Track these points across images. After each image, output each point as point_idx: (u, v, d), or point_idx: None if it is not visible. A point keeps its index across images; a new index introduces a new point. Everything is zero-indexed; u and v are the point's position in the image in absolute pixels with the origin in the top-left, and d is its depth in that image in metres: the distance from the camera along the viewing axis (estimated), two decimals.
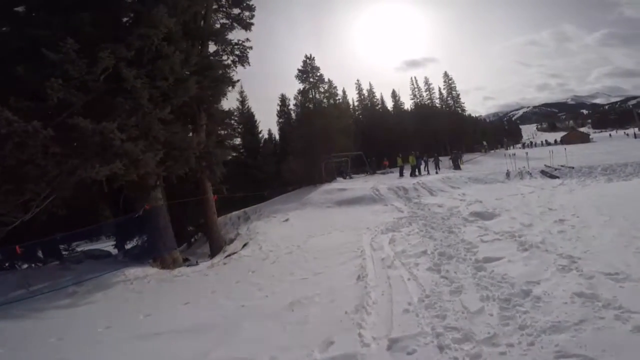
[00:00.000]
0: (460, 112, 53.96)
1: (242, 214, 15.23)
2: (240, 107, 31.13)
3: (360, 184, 17.45)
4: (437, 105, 51.50)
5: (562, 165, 19.04)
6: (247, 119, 30.85)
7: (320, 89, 28.16)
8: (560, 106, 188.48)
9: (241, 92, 31.45)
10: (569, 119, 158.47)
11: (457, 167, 27.26)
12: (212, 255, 11.30)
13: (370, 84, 49.90)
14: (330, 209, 13.60)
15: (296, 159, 24.00)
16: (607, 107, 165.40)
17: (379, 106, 47.54)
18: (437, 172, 22.63)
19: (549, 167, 19.30)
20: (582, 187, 13.55)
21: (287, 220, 12.60)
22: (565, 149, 23.10)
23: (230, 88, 14.88)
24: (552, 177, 17.05)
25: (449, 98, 53.19)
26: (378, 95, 47.92)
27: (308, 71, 28.14)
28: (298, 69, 28.23)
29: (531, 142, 63.68)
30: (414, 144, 34.84)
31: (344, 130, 28.00)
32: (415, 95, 50.89)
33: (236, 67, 15.55)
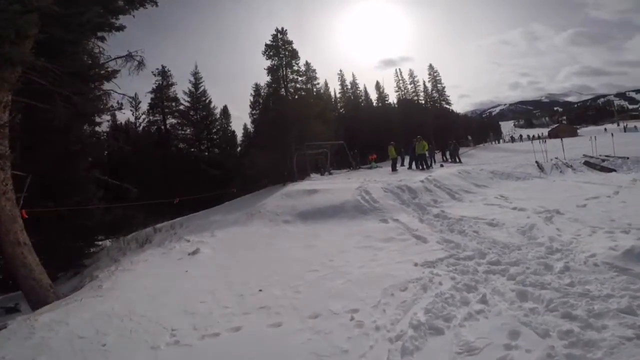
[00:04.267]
0: (445, 105, 49.06)
1: (147, 233, 8.79)
2: (194, 90, 24.26)
3: (340, 183, 11.15)
4: (422, 98, 46.33)
5: (607, 156, 13.80)
6: (203, 105, 24.04)
7: (293, 67, 21.63)
8: (535, 104, 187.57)
9: (195, 73, 24.61)
10: (545, 116, 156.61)
11: (456, 160, 21.59)
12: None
13: (353, 75, 44.13)
14: (287, 226, 7.30)
15: (261, 151, 17.64)
16: (579, 104, 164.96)
17: (362, 98, 41.96)
18: (441, 165, 16.68)
19: (593, 157, 13.87)
20: None
21: (195, 252, 6.25)
22: (612, 134, 18.02)
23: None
24: (606, 169, 11.86)
25: (433, 91, 48.21)
26: (361, 87, 42.31)
27: (278, 46, 21.61)
28: (266, 44, 21.62)
29: (520, 137, 59.19)
30: (400, 138, 29.14)
31: (322, 116, 22.01)
32: (400, 88, 45.93)
33: (133, 9, 9.15)
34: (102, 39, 9.53)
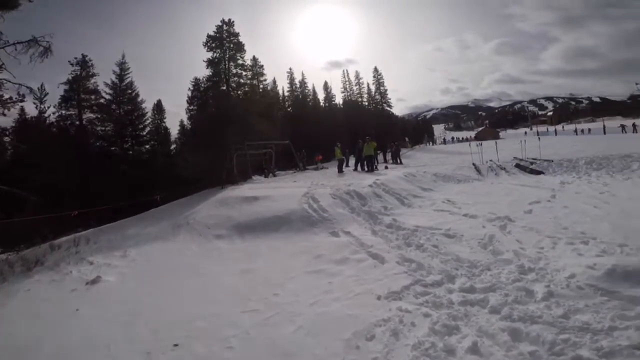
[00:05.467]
0: (387, 107, 50.73)
1: (40, 251, 6.92)
2: (118, 82, 21.47)
3: (285, 187, 10.19)
4: (365, 100, 47.28)
5: (534, 159, 14.75)
6: (128, 98, 21.28)
7: (238, 61, 20.08)
8: (463, 108, 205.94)
9: (121, 64, 21.79)
10: (471, 119, 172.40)
11: (397, 161, 21.88)
12: None
13: (302, 74, 42.93)
14: (220, 242, 6.13)
15: (197, 150, 15.89)
16: (499, 109, 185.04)
17: (310, 97, 41.22)
18: (386, 167, 16.57)
19: (522, 160, 14.76)
20: (614, 185, 9.13)
21: (95, 280, 4.85)
22: (538, 138, 19.39)
23: None
24: (535, 172, 12.51)
25: (376, 94, 49.50)
26: (310, 87, 41.48)
27: (223, 38, 19.93)
28: (208, 35, 19.92)
29: (453, 138, 63.66)
30: (344, 138, 29.05)
31: (267, 114, 20.79)
32: (346, 89, 46.25)
33: None
34: None
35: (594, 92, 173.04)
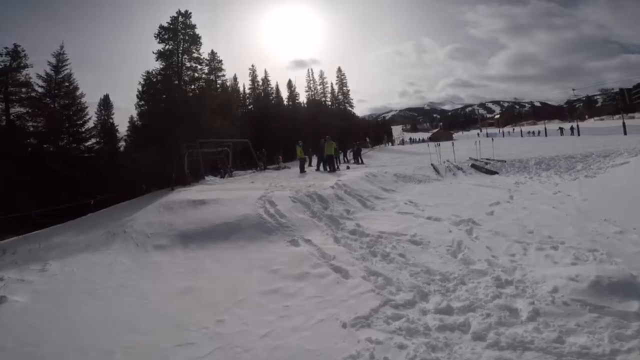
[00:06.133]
0: (349, 108, 51.16)
1: None
2: (53, 74, 19.23)
3: (240, 189, 9.32)
4: (329, 100, 47.33)
5: (489, 159, 14.98)
6: (65, 92, 19.10)
7: (193, 54, 18.68)
8: (419, 111, 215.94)
9: (58, 55, 19.55)
10: (426, 121, 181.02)
11: (359, 161, 21.71)
12: None
13: (265, 71, 41.54)
14: (159, 253, 5.22)
15: (145, 148, 14.47)
16: (452, 112, 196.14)
17: (273, 96, 40.07)
18: (347, 167, 16.23)
19: (478, 160, 14.98)
20: (563, 185, 9.51)
21: None
22: (492, 139, 20.17)
23: None
24: (490, 172, 12.69)
25: (339, 94, 49.84)
26: (273, 84, 40.30)
27: (177, 30, 18.41)
28: (161, 26, 18.30)
29: (411, 139, 65.63)
30: (307, 138, 28.52)
31: (225, 111, 19.60)
32: (310, 88, 46.10)
33: None
34: None
35: (535, 97, 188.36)
